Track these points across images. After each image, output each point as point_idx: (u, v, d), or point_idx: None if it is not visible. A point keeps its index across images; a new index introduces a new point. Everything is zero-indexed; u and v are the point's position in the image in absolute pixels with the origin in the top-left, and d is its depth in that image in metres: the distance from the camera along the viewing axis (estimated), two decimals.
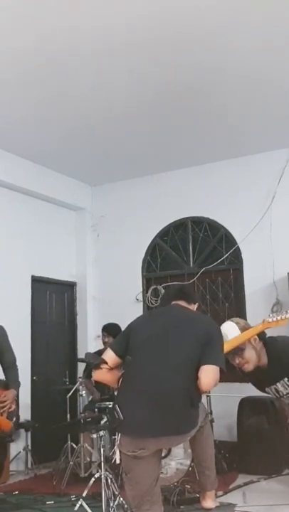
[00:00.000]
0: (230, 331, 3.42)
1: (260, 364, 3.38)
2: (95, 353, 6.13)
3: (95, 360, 2.86)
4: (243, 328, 3.43)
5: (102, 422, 2.70)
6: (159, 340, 2.74)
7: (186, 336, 2.74)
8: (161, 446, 2.77)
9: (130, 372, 2.73)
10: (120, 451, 2.73)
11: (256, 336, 3.39)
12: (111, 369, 2.86)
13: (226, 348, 3.13)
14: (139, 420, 2.62)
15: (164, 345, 2.72)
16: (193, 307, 3.13)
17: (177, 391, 2.64)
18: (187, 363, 2.67)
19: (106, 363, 2.84)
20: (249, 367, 3.35)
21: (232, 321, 3.56)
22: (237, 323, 3.49)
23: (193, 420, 2.75)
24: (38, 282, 6.69)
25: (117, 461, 2.76)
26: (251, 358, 3.35)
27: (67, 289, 7.31)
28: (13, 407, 4.33)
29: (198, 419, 2.83)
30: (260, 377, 3.47)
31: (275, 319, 3.32)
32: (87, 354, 3.01)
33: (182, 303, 3.05)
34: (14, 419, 4.35)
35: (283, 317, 3.32)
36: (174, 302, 3.05)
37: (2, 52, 4.21)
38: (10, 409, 4.27)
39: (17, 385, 4.41)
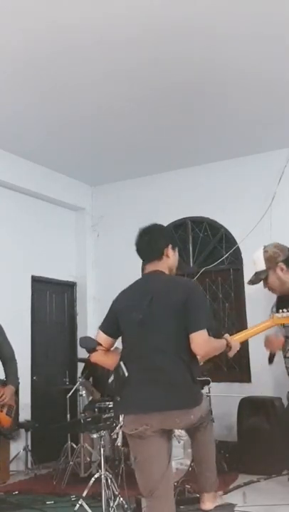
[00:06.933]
0: (257, 261, 3.71)
1: (284, 291, 3.60)
2: None
3: (90, 345, 2.86)
4: (269, 258, 3.66)
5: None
6: (146, 317, 2.71)
7: (168, 307, 2.70)
8: (166, 424, 2.68)
9: (126, 354, 2.74)
10: (125, 435, 2.69)
11: (284, 266, 3.60)
12: (107, 350, 2.87)
13: (242, 338, 3.15)
14: (140, 397, 2.62)
15: (151, 321, 2.70)
16: (170, 255, 2.92)
17: (174, 365, 2.64)
18: (178, 334, 2.66)
19: (100, 344, 2.85)
20: (275, 292, 3.70)
21: (263, 248, 3.76)
22: (265, 252, 3.70)
23: (195, 396, 2.73)
24: (38, 282, 6.69)
25: (119, 444, 2.73)
26: (274, 284, 3.64)
27: (67, 289, 7.31)
28: (12, 403, 4.34)
29: (201, 398, 2.78)
30: (283, 299, 3.69)
31: (285, 315, 3.30)
32: (82, 339, 2.98)
33: (154, 266, 2.89)
34: (13, 415, 4.37)
35: None
36: (147, 270, 2.92)
37: (1, 51, 4.21)
38: (10, 406, 4.30)
39: (15, 381, 4.42)
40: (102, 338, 2.89)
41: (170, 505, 2.67)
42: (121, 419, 2.68)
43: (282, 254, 3.67)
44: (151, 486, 2.63)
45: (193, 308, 2.69)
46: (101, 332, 2.91)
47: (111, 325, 2.90)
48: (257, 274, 3.71)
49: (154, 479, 2.63)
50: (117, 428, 2.72)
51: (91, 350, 2.84)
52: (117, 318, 2.87)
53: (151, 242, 2.93)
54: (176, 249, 3.00)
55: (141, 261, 3.00)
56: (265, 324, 3.37)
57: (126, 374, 2.63)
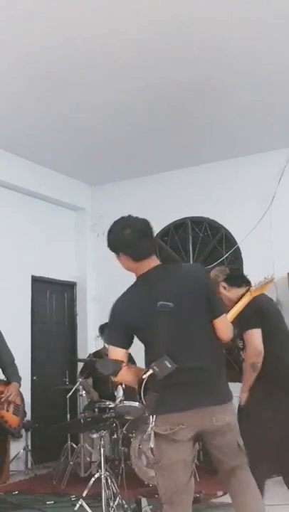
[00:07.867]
0: None
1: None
2: (94, 353, 6.14)
3: (114, 368, 2.70)
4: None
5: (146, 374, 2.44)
6: (180, 313, 2.51)
7: (198, 297, 2.56)
8: (202, 423, 2.52)
9: (157, 355, 2.50)
10: (155, 435, 2.52)
11: (225, 284, 3.73)
12: (127, 364, 2.67)
13: (230, 319, 3.18)
14: (178, 395, 2.48)
15: (176, 317, 2.50)
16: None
17: (212, 360, 2.55)
18: (209, 324, 2.56)
19: (123, 361, 2.64)
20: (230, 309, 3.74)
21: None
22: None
23: (228, 389, 2.63)
24: (38, 282, 6.69)
25: (151, 446, 2.58)
26: (224, 303, 3.69)
27: (67, 289, 7.31)
28: (18, 402, 4.37)
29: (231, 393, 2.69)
30: None
31: (259, 286, 3.49)
32: (101, 366, 2.79)
33: (153, 261, 2.75)
34: (20, 414, 4.39)
35: (267, 280, 3.50)
36: (147, 267, 2.76)
37: (2, 51, 4.21)
38: (16, 403, 4.32)
39: (18, 379, 4.44)
40: (122, 354, 2.66)
41: None
42: (152, 419, 2.51)
43: (221, 275, 4.00)
44: (172, 493, 2.51)
45: (212, 293, 2.60)
46: (119, 349, 2.67)
47: (127, 338, 2.69)
48: None
49: (177, 486, 2.50)
50: (149, 429, 2.58)
51: (117, 372, 2.64)
52: (130, 329, 2.68)
53: (151, 239, 2.81)
54: None
55: None
56: (245, 300, 3.45)
57: (175, 365, 2.40)
